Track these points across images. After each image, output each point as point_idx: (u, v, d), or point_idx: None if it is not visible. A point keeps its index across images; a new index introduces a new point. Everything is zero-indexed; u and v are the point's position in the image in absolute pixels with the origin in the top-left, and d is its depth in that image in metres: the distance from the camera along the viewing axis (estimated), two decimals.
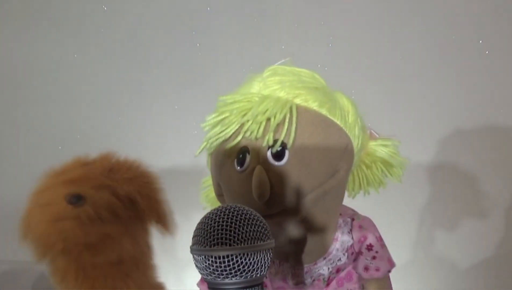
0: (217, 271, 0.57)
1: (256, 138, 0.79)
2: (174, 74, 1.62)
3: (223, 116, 0.82)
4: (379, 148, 0.92)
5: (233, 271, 0.56)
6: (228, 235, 0.56)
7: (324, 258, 0.90)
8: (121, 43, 1.62)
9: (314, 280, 0.92)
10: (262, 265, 0.58)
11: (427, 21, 1.57)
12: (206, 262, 0.57)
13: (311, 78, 0.87)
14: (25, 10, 1.60)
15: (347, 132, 0.85)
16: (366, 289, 0.94)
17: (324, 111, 0.83)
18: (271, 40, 1.60)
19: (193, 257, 0.59)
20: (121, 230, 1.07)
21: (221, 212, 0.58)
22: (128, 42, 1.62)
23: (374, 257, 0.90)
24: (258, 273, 0.58)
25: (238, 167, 0.81)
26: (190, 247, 0.60)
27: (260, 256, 0.57)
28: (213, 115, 0.82)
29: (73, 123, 1.63)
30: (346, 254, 0.91)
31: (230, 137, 0.81)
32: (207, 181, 1.01)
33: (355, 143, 0.87)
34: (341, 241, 0.90)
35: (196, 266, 0.59)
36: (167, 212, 1.17)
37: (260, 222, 0.59)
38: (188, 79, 1.62)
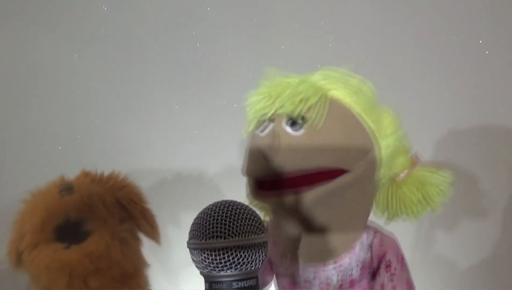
0: (213, 263, 0.58)
1: (287, 114, 0.83)
2: (174, 74, 1.62)
3: (264, 95, 0.88)
4: (423, 173, 0.90)
5: (228, 263, 0.58)
6: (223, 228, 0.58)
7: (335, 263, 0.89)
8: (121, 43, 1.62)
9: (321, 284, 0.90)
10: (256, 258, 0.60)
11: (427, 21, 1.57)
12: (202, 255, 0.59)
13: (359, 82, 0.89)
14: (24, 10, 1.60)
15: (375, 139, 0.85)
16: None
17: (357, 110, 0.85)
18: (271, 40, 1.60)
19: (190, 251, 0.61)
20: (118, 242, 1.08)
21: (216, 207, 0.60)
22: (128, 42, 1.62)
23: (392, 276, 0.88)
24: (253, 266, 0.59)
25: (260, 132, 0.86)
26: (187, 242, 0.61)
27: (254, 249, 0.59)
28: (256, 93, 0.90)
29: (73, 123, 1.63)
30: (359, 268, 0.88)
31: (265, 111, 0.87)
32: None
33: (382, 153, 0.86)
34: (357, 253, 0.88)
35: (193, 260, 0.61)
36: (155, 220, 1.19)
37: (254, 217, 0.61)
38: (188, 79, 1.62)
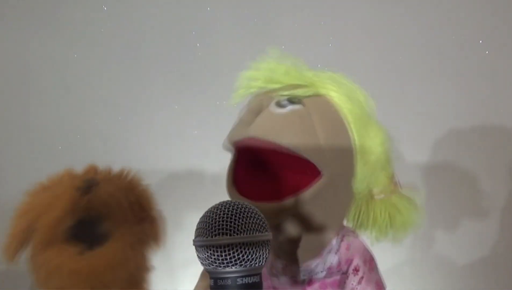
0: (218, 260, 0.60)
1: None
2: (174, 74, 1.62)
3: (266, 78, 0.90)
4: (397, 203, 0.91)
5: (233, 260, 0.60)
6: (228, 226, 0.60)
7: (302, 264, 0.89)
8: (121, 43, 1.62)
9: (290, 278, 0.91)
10: (260, 255, 0.61)
11: (427, 21, 1.57)
12: (207, 252, 0.60)
13: (361, 95, 0.90)
14: (25, 10, 1.60)
15: (355, 150, 0.86)
16: None
17: (349, 119, 0.86)
18: (271, 40, 1.60)
19: (196, 248, 0.63)
20: (130, 246, 1.05)
21: (222, 206, 0.62)
22: (128, 42, 1.62)
23: (360, 280, 0.89)
24: (257, 263, 0.61)
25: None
26: (193, 240, 0.63)
27: (258, 247, 0.61)
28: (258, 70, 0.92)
29: (73, 123, 1.63)
30: (325, 271, 0.89)
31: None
32: None
33: (358, 165, 0.87)
34: (324, 258, 0.89)
35: (198, 257, 0.63)
36: (162, 225, 1.16)
37: (258, 216, 0.63)
38: (188, 79, 1.62)
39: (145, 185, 1.15)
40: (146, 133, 1.62)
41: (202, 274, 1.00)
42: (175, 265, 1.60)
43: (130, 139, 1.62)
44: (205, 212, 0.63)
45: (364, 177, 0.88)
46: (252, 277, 0.61)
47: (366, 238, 0.95)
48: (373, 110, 0.90)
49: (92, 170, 1.10)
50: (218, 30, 1.60)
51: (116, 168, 1.48)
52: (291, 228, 0.86)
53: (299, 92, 0.86)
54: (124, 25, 1.62)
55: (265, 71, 0.91)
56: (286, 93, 0.87)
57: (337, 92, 0.88)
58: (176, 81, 1.62)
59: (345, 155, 0.86)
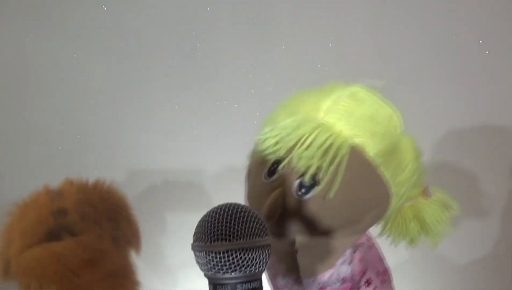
0: (218, 266, 0.59)
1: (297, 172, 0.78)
2: (174, 74, 1.62)
3: (278, 138, 0.80)
4: (426, 207, 0.89)
5: (232, 265, 0.59)
6: (227, 231, 0.59)
7: (315, 277, 0.88)
8: (121, 43, 1.62)
9: None
10: (260, 261, 0.60)
11: (427, 21, 1.57)
12: (206, 258, 0.59)
13: (386, 119, 0.83)
14: (24, 10, 1.60)
15: (391, 189, 0.82)
16: None
17: (377, 162, 0.80)
18: (271, 40, 1.60)
19: (194, 253, 0.62)
20: (109, 243, 1.07)
21: (221, 210, 0.61)
22: (128, 42, 1.62)
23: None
24: (256, 269, 0.60)
25: (264, 178, 0.82)
26: (191, 244, 0.62)
27: (258, 252, 0.60)
28: (270, 133, 0.81)
29: (73, 123, 1.63)
30: (339, 282, 0.87)
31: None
32: None
33: (394, 201, 0.84)
34: (338, 269, 0.87)
35: (197, 262, 0.62)
36: (139, 231, 1.17)
37: (258, 220, 0.61)
38: (188, 79, 1.62)
39: (120, 194, 1.15)
40: (146, 133, 1.62)
41: None
42: (174, 266, 1.61)
43: (130, 139, 1.62)
44: (204, 216, 0.62)
45: (397, 199, 0.85)
46: (252, 283, 0.60)
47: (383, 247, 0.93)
48: (399, 127, 0.84)
49: (68, 184, 1.12)
50: (218, 30, 1.60)
51: (115, 168, 1.49)
52: (300, 243, 0.85)
53: (319, 161, 0.77)
54: (124, 25, 1.62)
55: (277, 132, 0.81)
56: (306, 172, 0.78)
57: (361, 138, 0.79)
58: (176, 81, 1.62)
59: (378, 202, 0.83)
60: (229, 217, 0.60)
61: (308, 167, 0.77)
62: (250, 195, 0.86)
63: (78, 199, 1.07)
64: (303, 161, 0.77)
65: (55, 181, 1.13)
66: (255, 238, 0.60)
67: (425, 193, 0.90)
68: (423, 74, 1.57)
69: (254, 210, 0.62)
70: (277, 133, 0.81)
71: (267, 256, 0.61)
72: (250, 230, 0.60)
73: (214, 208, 0.62)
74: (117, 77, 1.63)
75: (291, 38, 1.59)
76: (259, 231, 0.61)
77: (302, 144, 0.77)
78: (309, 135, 0.78)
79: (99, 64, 1.63)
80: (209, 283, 0.61)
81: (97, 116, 1.62)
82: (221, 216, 0.60)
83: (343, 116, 0.80)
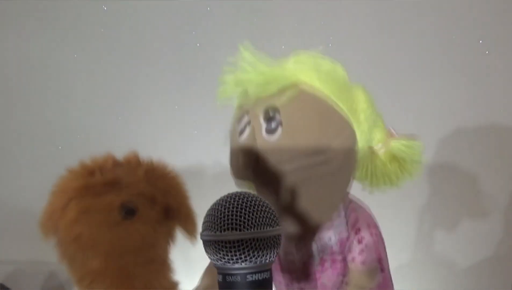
0: (227, 255, 0.57)
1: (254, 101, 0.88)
2: (174, 74, 1.62)
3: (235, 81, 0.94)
4: (398, 146, 0.93)
5: (243, 255, 0.57)
6: (238, 220, 0.57)
7: (315, 235, 0.92)
8: (121, 43, 1.62)
9: (303, 256, 0.93)
10: (271, 251, 0.58)
11: (427, 21, 1.57)
12: (215, 248, 0.58)
13: (327, 65, 0.91)
14: (25, 10, 1.60)
15: (349, 119, 0.88)
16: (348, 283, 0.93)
17: (327, 93, 0.87)
18: (271, 40, 1.60)
19: (203, 243, 0.60)
20: (155, 231, 1.05)
21: (231, 199, 0.59)
22: (128, 42, 1.62)
23: (361, 252, 0.90)
24: (267, 259, 0.58)
25: (239, 134, 0.93)
26: (200, 233, 0.60)
27: (269, 242, 0.58)
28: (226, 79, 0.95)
29: (73, 123, 1.63)
30: (337, 240, 0.91)
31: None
32: None
33: (361, 137, 0.89)
34: (335, 226, 0.92)
35: (206, 251, 0.60)
36: (195, 219, 1.15)
37: (269, 209, 0.60)
38: (188, 79, 1.62)
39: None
40: (146, 133, 1.62)
41: (204, 273, 1.00)
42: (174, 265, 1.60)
43: (130, 138, 1.62)
44: (213, 204, 0.60)
45: (361, 136, 0.89)
46: (262, 273, 0.58)
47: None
48: (346, 75, 0.91)
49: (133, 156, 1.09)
50: (218, 30, 1.60)
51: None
52: (295, 200, 0.88)
53: (279, 101, 0.86)
54: (124, 25, 1.62)
55: (237, 74, 0.94)
56: (268, 107, 0.87)
57: (307, 74, 0.88)
58: (176, 81, 1.62)
59: (343, 131, 0.88)
60: (239, 206, 0.58)
61: (270, 104, 0.86)
62: (234, 153, 0.93)
63: (141, 189, 1.04)
64: (260, 87, 0.88)
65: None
66: (267, 227, 0.58)
67: (391, 133, 0.95)
68: (423, 74, 1.57)
69: (264, 200, 0.61)
70: (237, 76, 0.94)
71: (278, 246, 0.59)
72: (261, 219, 0.58)
73: (223, 196, 0.60)
74: (117, 77, 1.63)
75: (291, 38, 1.59)
76: (270, 220, 0.59)
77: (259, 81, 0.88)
78: (266, 72, 0.89)
79: (98, 64, 1.63)
80: (218, 273, 0.60)
81: (97, 116, 1.62)
82: (231, 205, 0.58)
83: (291, 63, 0.90)
